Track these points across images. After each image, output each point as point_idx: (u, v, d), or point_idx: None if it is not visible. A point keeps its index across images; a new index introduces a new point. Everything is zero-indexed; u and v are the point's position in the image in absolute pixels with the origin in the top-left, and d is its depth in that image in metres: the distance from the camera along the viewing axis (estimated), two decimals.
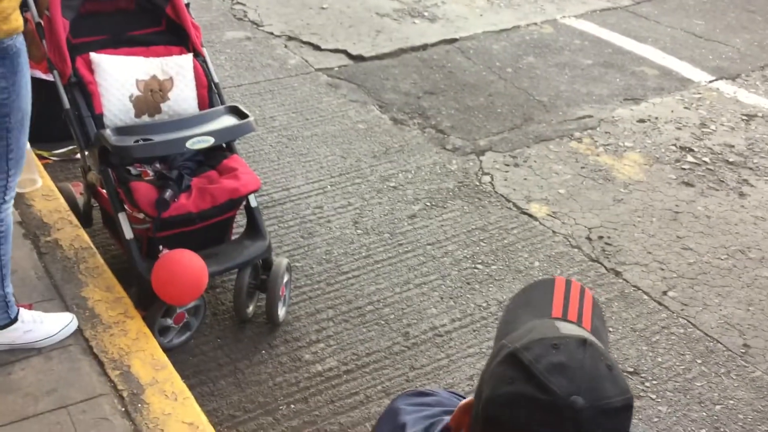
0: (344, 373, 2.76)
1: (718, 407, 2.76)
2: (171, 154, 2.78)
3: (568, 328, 0.98)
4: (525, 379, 0.90)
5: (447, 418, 1.10)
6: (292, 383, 2.70)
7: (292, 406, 2.62)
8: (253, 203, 2.94)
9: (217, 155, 2.92)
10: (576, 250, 3.49)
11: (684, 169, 4.18)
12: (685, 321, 3.13)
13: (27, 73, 2.20)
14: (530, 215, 3.71)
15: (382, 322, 3.00)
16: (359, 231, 3.50)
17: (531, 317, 1.02)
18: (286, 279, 2.93)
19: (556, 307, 1.04)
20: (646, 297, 3.25)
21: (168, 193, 2.62)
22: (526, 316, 1.03)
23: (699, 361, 2.95)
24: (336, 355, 2.83)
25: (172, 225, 2.69)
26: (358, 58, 5.09)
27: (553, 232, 3.60)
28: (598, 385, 0.89)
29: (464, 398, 1.20)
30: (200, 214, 2.71)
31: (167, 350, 2.59)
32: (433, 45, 5.36)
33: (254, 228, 2.94)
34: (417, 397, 1.20)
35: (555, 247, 3.50)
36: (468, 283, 3.24)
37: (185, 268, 2.55)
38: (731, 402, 2.78)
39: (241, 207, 2.94)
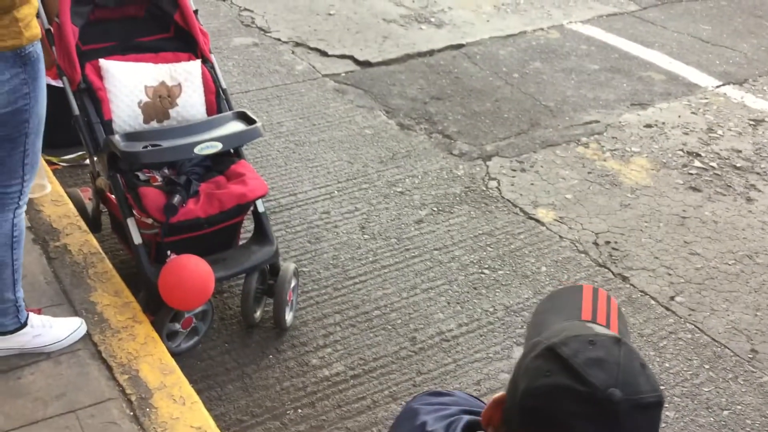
0: (351, 377, 2.77)
1: (725, 413, 2.75)
2: (179, 159, 2.80)
3: (600, 329, 1.01)
4: (563, 371, 0.92)
5: (466, 417, 1.12)
6: (300, 388, 2.71)
7: (300, 410, 2.62)
8: (261, 208, 2.95)
9: (224, 160, 2.94)
10: (583, 255, 3.49)
11: (691, 174, 4.18)
12: (693, 326, 3.13)
13: (44, 79, 2.23)
14: (537, 220, 3.71)
15: (389, 327, 3.01)
16: (366, 236, 3.51)
17: (561, 319, 1.05)
18: (293, 284, 2.94)
19: (585, 311, 1.07)
20: (653, 302, 3.24)
21: (176, 199, 2.64)
22: (556, 318, 1.06)
23: (706, 367, 2.94)
24: (343, 359, 2.84)
25: (180, 230, 2.70)
26: (365, 64, 5.11)
27: (560, 237, 3.60)
28: (633, 380, 0.91)
29: (479, 399, 1.22)
30: (208, 219, 2.72)
31: (175, 355, 2.60)
32: (440, 50, 5.37)
33: (262, 233, 2.95)
34: (434, 397, 1.21)
35: (562, 252, 3.50)
36: (475, 288, 3.24)
37: (191, 273, 2.56)
38: (739, 407, 2.78)
39: (249, 212, 2.95)
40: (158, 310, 2.66)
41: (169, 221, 2.63)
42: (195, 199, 2.72)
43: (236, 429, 2.53)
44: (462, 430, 1.10)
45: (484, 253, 3.45)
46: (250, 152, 3.93)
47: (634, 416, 0.90)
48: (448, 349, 2.93)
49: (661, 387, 2.82)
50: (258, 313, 2.93)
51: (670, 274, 3.41)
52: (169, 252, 2.68)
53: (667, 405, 2.76)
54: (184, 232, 2.72)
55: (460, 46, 5.45)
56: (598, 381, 0.90)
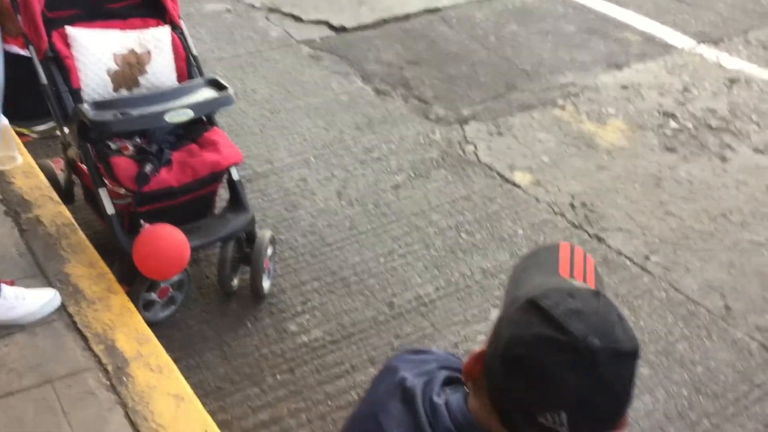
0: (329, 343, 2.78)
1: (699, 368, 2.79)
2: (150, 127, 2.76)
3: (578, 283, 1.06)
4: (544, 322, 0.95)
5: (445, 372, 1.15)
6: (278, 354, 2.72)
7: (278, 376, 2.63)
8: (236, 176, 2.93)
9: (197, 128, 2.90)
10: (559, 217, 3.51)
11: (666, 134, 4.19)
12: (668, 285, 3.16)
13: (0, 47, 2.18)
14: (514, 183, 3.71)
15: (367, 293, 3.01)
16: (343, 202, 3.50)
17: (540, 276, 1.08)
18: (270, 251, 2.93)
19: (563, 268, 1.11)
20: (628, 262, 3.27)
21: (148, 168, 2.61)
22: (535, 275, 1.09)
23: (681, 324, 2.98)
24: (321, 325, 2.85)
25: (153, 199, 2.68)
26: (340, 30, 5.05)
27: (537, 199, 3.61)
28: (611, 330, 0.95)
29: (459, 357, 1.24)
30: (181, 188, 2.70)
31: (152, 324, 2.59)
32: (416, 15, 5.32)
33: (237, 201, 2.93)
34: (413, 355, 1.24)
35: (539, 215, 3.51)
36: (452, 252, 3.25)
37: (165, 242, 2.55)
38: (712, 363, 2.82)
39: (224, 181, 2.93)
40: (133, 281, 2.65)
41: (141, 190, 2.60)
42: (168, 168, 2.69)
43: (215, 396, 2.54)
44: (440, 385, 1.13)
45: (461, 217, 3.46)
46: (224, 120, 3.88)
47: (614, 364, 0.93)
48: (425, 313, 2.95)
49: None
50: (235, 282, 2.93)
51: (645, 234, 3.44)
52: (142, 221, 2.66)
53: (642, 363, 2.79)
54: (158, 202, 2.70)
55: (436, 10, 5.40)
56: (578, 330, 0.93)
